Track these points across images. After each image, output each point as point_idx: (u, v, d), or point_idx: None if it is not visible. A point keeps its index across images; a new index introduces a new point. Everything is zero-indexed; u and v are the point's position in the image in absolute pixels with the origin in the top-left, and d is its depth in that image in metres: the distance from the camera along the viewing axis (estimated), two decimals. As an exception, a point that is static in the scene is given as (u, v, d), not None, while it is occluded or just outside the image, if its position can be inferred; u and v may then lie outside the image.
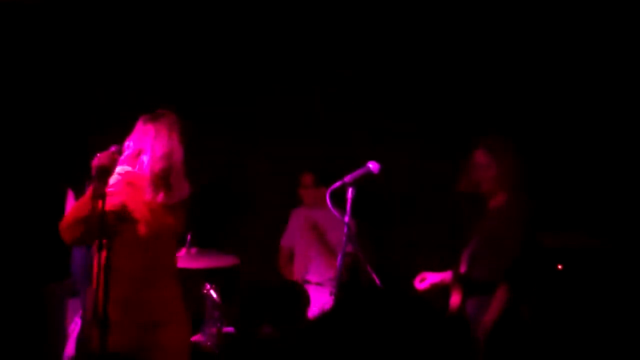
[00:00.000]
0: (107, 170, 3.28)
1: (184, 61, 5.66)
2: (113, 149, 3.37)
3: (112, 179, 3.44)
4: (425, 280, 3.85)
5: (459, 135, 4.91)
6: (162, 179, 3.48)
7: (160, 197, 3.47)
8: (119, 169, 3.48)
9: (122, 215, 3.46)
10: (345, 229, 3.56)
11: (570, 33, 4.95)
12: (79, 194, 4.74)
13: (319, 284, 5.05)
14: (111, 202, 3.38)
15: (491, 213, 3.69)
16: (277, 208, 5.50)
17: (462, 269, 3.77)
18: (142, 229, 3.46)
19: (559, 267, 3.87)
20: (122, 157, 3.47)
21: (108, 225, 3.28)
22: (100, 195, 3.24)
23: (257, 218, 5.66)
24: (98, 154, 3.29)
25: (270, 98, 5.66)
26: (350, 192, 3.46)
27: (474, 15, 5.16)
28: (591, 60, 4.92)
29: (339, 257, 3.56)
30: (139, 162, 3.51)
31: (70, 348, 4.89)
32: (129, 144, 3.52)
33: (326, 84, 5.60)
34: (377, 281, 4.32)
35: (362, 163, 3.55)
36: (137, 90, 5.59)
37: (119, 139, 3.51)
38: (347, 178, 3.46)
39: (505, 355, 3.57)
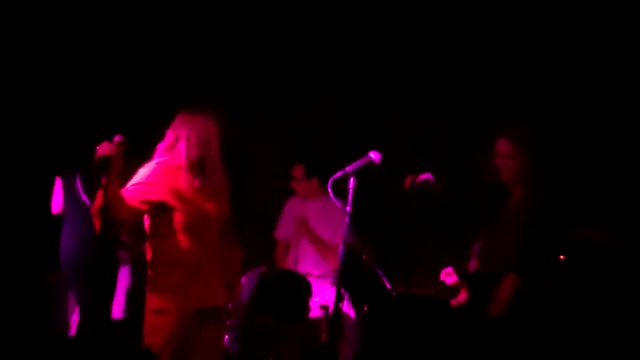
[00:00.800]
0: (107, 161, 3.29)
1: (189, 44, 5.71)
2: (117, 139, 3.38)
3: (147, 170, 3.53)
4: (453, 275, 3.83)
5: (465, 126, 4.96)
6: (198, 166, 3.55)
7: (197, 183, 3.54)
8: (156, 159, 3.57)
9: (164, 205, 3.51)
10: (347, 219, 3.55)
11: (592, 23, 4.93)
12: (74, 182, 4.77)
13: (320, 276, 5.04)
14: (149, 193, 3.47)
15: (510, 204, 3.70)
16: (277, 199, 5.50)
17: (472, 265, 3.78)
18: (186, 217, 3.52)
19: (561, 257, 3.86)
20: (160, 147, 3.59)
21: (139, 216, 3.49)
22: (102, 185, 3.27)
23: (256, 208, 5.67)
24: (97, 147, 3.32)
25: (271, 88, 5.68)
26: (352, 182, 3.46)
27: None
28: (614, 52, 4.89)
29: (340, 248, 3.55)
30: (175, 150, 3.58)
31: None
32: (167, 135, 3.61)
33: (333, 70, 5.61)
34: (380, 273, 4.35)
35: (363, 153, 3.56)
36: (138, 83, 5.62)
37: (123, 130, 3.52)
38: (349, 168, 3.45)
39: (524, 331, 3.58)
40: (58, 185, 4.87)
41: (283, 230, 5.38)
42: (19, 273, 5.35)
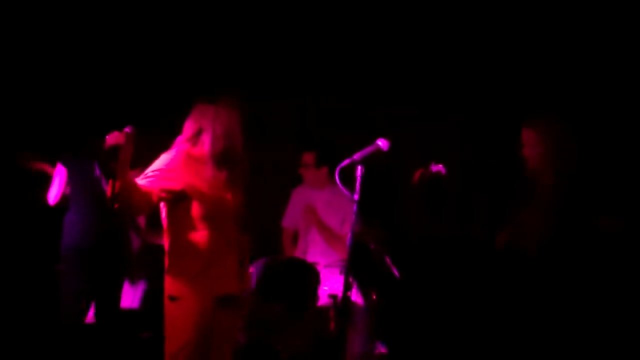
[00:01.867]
0: (116, 150, 3.31)
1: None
2: (127, 129, 3.40)
3: (168, 157, 3.57)
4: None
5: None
6: (224, 157, 3.60)
7: (224, 174, 3.61)
8: (176, 148, 3.61)
9: (183, 194, 3.55)
10: (355, 208, 3.55)
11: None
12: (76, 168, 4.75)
13: (328, 265, 5.05)
14: (170, 180, 3.50)
15: (539, 191, 3.73)
16: (284, 187, 5.50)
17: (500, 240, 3.80)
18: (205, 206, 3.56)
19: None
20: (181, 139, 3.63)
21: (156, 203, 3.51)
22: (111, 173, 3.31)
23: (265, 197, 5.67)
24: (108, 135, 3.34)
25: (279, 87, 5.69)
26: (359, 170, 3.46)
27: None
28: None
29: (349, 237, 3.55)
30: (199, 141, 3.62)
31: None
32: (187, 125, 3.65)
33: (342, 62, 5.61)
34: (388, 261, 4.36)
35: (371, 141, 3.56)
36: (146, 75, 5.64)
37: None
38: (357, 156, 3.44)
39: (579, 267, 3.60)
40: (59, 170, 4.81)
41: (290, 219, 5.37)
42: (25, 263, 5.39)
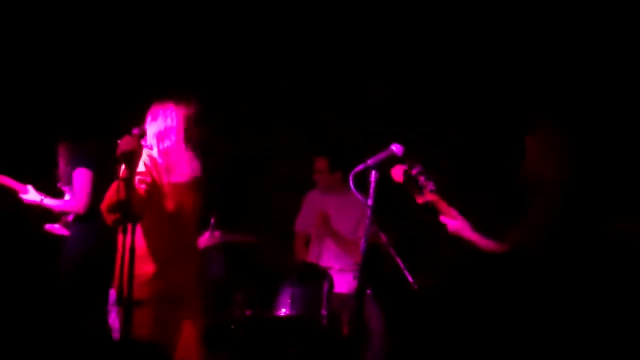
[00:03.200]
0: (132, 154, 3.25)
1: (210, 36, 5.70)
2: (135, 131, 3.34)
3: (141, 163, 3.48)
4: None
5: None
6: (166, 159, 3.57)
7: (170, 176, 3.57)
8: (146, 151, 3.54)
9: (150, 197, 3.50)
10: (369, 212, 3.51)
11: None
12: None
13: (342, 270, 5.01)
14: (143, 185, 3.45)
15: (541, 197, 3.69)
16: (300, 190, 5.46)
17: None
18: (164, 208, 3.54)
19: None
20: (144, 140, 3.50)
21: (141, 208, 3.37)
22: (129, 180, 3.25)
23: (279, 200, 5.64)
24: (119, 140, 3.27)
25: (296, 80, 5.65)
26: (373, 175, 3.42)
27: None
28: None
29: (362, 241, 3.50)
30: (155, 142, 3.60)
31: None
32: (146, 127, 3.59)
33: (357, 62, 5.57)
34: (402, 265, 4.30)
35: (385, 146, 3.52)
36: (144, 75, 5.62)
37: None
38: (371, 161, 3.42)
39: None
40: (62, 151, 4.70)
41: (303, 223, 5.34)
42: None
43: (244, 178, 5.76)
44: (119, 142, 3.25)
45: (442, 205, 3.73)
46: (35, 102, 5.62)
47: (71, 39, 5.65)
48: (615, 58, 4.89)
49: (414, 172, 3.68)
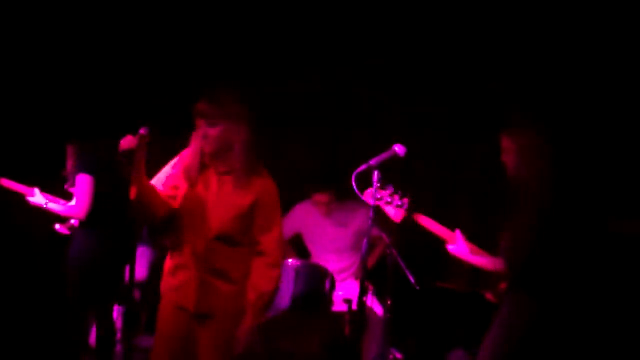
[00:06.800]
0: (131, 153, 3.24)
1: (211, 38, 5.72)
2: (142, 131, 3.32)
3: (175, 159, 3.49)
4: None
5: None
6: (214, 163, 3.47)
7: (213, 184, 3.48)
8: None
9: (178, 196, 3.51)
10: (371, 213, 3.52)
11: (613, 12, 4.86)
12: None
13: (342, 270, 5.06)
14: (174, 182, 3.46)
15: (521, 200, 3.64)
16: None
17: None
18: (181, 212, 3.48)
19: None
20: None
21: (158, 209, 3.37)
22: (136, 178, 3.25)
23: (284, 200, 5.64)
24: (120, 140, 3.28)
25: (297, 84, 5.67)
26: (375, 175, 3.44)
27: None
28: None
29: (364, 242, 3.51)
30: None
31: None
32: None
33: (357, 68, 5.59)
34: (404, 266, 4.32)
35: (388, 147, 3.53)
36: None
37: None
38: (373, 161, 3.41)
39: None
40: (70, 153, 4.66)
41: (286, 232, 5.12)
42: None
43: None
44: (121, 140, 3.26)
45: (428, 222, 3.70)
46: (48, 103, 5.65)
47: (87, 40, 5.67)
48: (602, 57, 4.89)
49: (386, 193, 3.67)
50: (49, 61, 5.69)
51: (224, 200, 3.41)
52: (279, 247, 3.46)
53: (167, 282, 3.49)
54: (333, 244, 5.06)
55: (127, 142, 3.26)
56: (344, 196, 5.01)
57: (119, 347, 4.77)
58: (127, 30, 5.69)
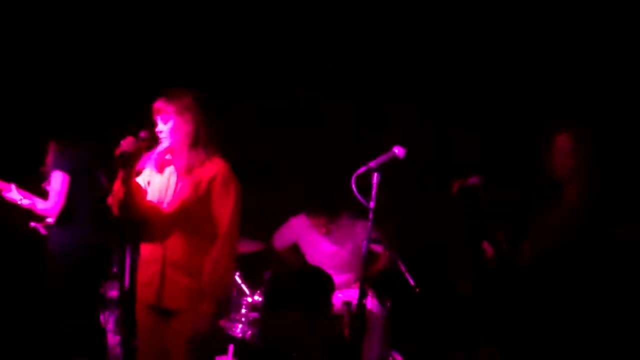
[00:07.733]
0: (130, 157, 3.28)
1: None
2: (142, 134, 3.38)
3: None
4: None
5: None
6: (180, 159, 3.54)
7: (168, 177, 3.56)
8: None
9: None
10: (370, 215, 3.52)
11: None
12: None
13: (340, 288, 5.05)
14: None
15: (565, 199, 3.70)
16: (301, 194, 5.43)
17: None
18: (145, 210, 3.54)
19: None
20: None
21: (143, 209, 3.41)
22: (128, 181, 3.29)
23: (282, 203, 5.65)
24: (121, 141, 3.31)
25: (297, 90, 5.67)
26: (375, 177, 3.44)
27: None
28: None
29: (364, 245, 3.53)
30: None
31: None
32: None
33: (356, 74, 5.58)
34: (404, 269, 4.33)
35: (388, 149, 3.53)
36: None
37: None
38: (373, 163, 3.43)
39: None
40: (52, 149, 4.60)
41: (280, 242, 5.26)
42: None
43: (247, 183, 5.78)
44: (121, 141, 3.29)
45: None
46: (33, 100, 5.61)
47: (73, 40, 5.64)
48: (602, 56, 4.88)
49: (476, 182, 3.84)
50: (40, 60, 5.62)
51: (180, 190, 3.45)
52: (233, 232, 3.45)
53: (138, 279, 3.55)
54: (331, 261, 5.03)
55: (127, 143, 3.28)
56: (338, 209, 4.96)
57: (118, 350, 4.76)
58: (124, 31, 5.68)
